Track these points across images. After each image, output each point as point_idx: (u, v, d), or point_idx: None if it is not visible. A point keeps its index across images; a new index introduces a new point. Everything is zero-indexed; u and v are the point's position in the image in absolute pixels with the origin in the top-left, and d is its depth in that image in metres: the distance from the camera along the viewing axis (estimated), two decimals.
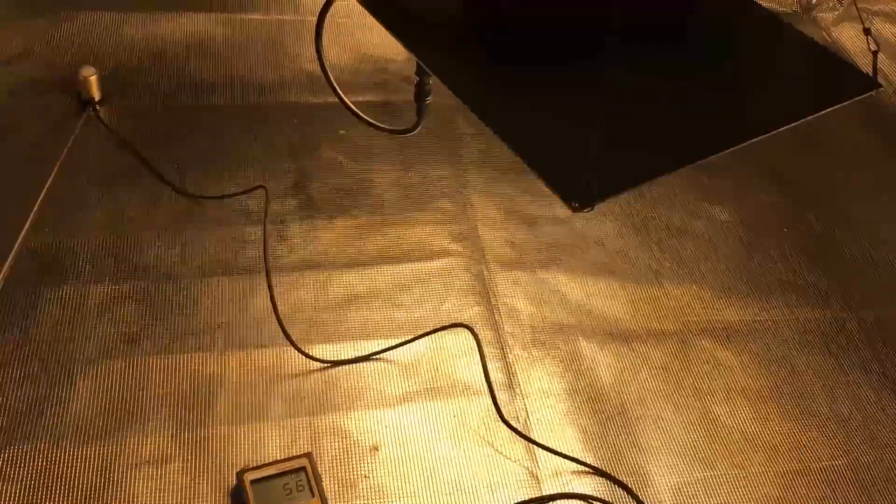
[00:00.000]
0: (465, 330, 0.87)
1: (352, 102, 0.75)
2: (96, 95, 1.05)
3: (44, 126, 1.02)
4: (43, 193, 0.94)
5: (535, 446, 0.80)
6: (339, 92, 0.73)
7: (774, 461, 0.82)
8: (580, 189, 0.50)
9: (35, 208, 0.92)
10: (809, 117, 0.52)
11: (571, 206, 0.51)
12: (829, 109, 0.52)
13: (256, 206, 0.97)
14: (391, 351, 0.85)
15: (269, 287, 0.84)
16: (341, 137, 1.06)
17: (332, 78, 0.72)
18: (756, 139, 0.52)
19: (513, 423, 0.81)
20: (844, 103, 0.53)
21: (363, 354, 0.85)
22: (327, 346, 0.86)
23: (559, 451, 0.79)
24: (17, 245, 0.87)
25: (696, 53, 0.59)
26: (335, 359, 0.84)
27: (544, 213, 1.01)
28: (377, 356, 0.84)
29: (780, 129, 0.52)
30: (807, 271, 0.99)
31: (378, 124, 0.74)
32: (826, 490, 0.80)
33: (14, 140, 1.00)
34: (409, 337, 0.86)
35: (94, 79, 1.04)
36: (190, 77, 1.11)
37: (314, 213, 0.98)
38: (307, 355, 0.82)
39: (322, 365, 0.84)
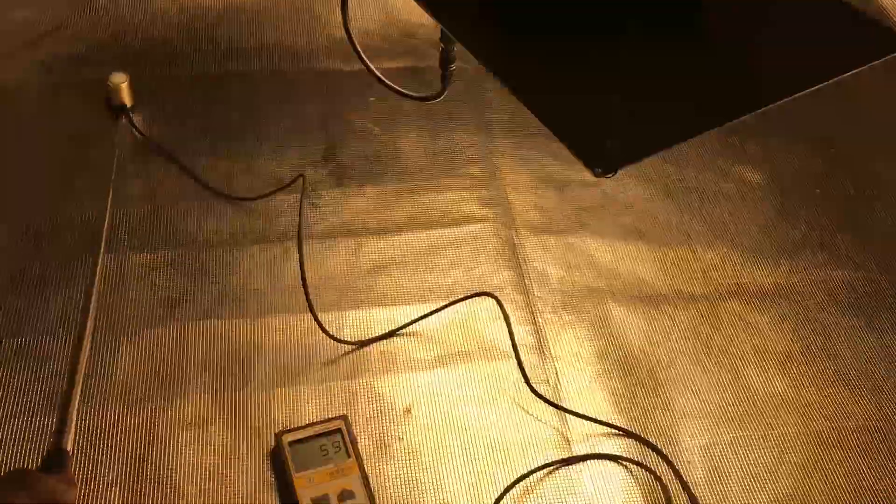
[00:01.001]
0: (500, 296, 0.88)
1: (380, 69, 0.75)
2: (128, 102, 1.02)
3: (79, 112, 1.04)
4: None
5: (565, 406, 0.81)
6: (365, 59, 0.74)
7: (805, 422, 0.82)
8: (603, 154, 0.50)
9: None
10: (835, 78, 0.52)
11: (594, 171, 0.51)
12: (856, 70, 0.52)
13: (289, 174, 0.99)
14: (426, 323, 0.87)
15: (305, 289, 0.83)
16: (371, 105, 1.07)
17: (357, 45, 0.72)
18: (781, 101, 0.51)
19: (543, 386, 0.82)
20: (873, 63, 0.52)
21: (394, 321, 0.86)
22: (359, 313, 0.87)
23: (588, 415, 0.80)
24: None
25: (722, 16, 0.58)
26: (368, 327, 0.86)
27: (573, 177, 1.01)
28: (401, 332, 0.85)
29: (806, 91, 0.51)
30: (839, 233, 0.98)
31: (404, 91, 0.74)
32: (857, 450, 0.80)
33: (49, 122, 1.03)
34: (438, 305, 0.87)
35: (125, 86, 1.01)
36: (219, 45, 1.13)
37: (345, 181, 1.00)
38: (334, 338, 0.83)
39: (356, 329, 0.85)
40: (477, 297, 0.88)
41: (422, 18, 1.16)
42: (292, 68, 1.11)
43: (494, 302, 0.88)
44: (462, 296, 0.87)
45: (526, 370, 0.82)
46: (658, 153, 0.52)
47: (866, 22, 0.55)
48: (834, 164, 1.06)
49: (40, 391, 0.79)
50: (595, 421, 0.80)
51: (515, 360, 0.83)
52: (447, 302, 0.87)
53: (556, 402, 0.81)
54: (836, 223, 1.00)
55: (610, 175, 0.51)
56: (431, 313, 0.86)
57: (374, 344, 0.85)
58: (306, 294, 0.82)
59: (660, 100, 0.53)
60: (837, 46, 0.55)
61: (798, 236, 0.98)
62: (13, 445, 0.75)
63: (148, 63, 1.09)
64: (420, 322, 0.87)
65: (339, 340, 0.83)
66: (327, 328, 0.84)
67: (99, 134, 1.01)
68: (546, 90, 0.54)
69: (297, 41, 1.14)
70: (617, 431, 0.80)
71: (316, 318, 0.82)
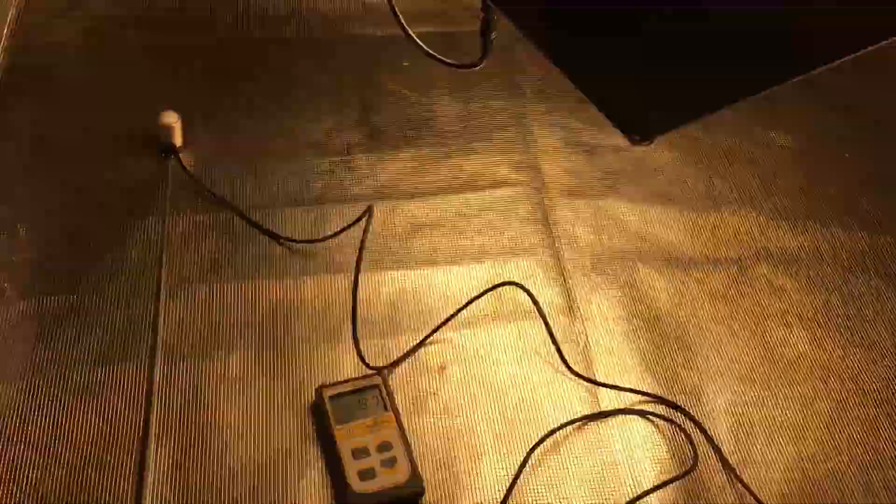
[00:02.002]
0: (530, 258, 0.90)
1: (414, 33, 0.76)
2: (178, 142, 0.97)
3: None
4: None
5: (594, 366, 0.84)
6: (405, 25, 0.75)
7: (829, 383, 0.84)
8: (639, 122, 0.52)
9: None
10: (871, 48, 0.53)
11: (631, 139, 0.53)
12: (891, 39, 0.53)
13: (324, 138, 1.01)
14: (457, 281, 0.89)
15: (354, 312, 0.83)
16: (405, 70, 1.09)
17: (396, 8, 0.73)
18: (816, 71, 0.52)
19: (573, 346, 0.85)
20: None
21: (429, 283, 0.89)
22: (396, 273, 0.90)
23: (616, 384, 0.83)
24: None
25: None
26: (402, 289, 0.89)
27: (604, 142, 1.02)
28: (429, 341, 0.85)
29: (839, 61, 0.52)
30: (867, 198, 0.99)
31: (442, 59, 0.76)
32: (879, 412, 0.82)
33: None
34: (475, 264, 0.90)
35: (177, 126, 0.96)
36: (254, 11, 1.14)
37: (380, 145, 1.02)
38: (367, 364, 0.82)
39: (390, 290, 0.88)
40: (511, 259, 0.90)
41: None
42: (327, 33, 1.13)
43: (529, 263, 0.90)
44: (492, 285, 0.88)
45: (555, 333, 0.85)
46: (693, 122, 0.53)
47: None
48: (863, 129, 1.07)
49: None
50: (622, 389, 0.82)
51: (553, 345, 0.85)
52: (472, 297, 0.87)
53: (585, 360, 0.84)
54: (865, 188, 1.01)
55: (647, 143, 0.53)
56: (458, 311, 0.86)
57: (409, 304, 0.87)
58: (354, 328, 0.82)
59: (696, 68, 0.54)
60: (874, 15, 0.55)
61: (826, 201, 0.99)
62: (68, 395, 0.79)
63: (183, 30, 1.11)
64: (455, 285, 0.89)
65: (369, 366, 0.82)
66: (364, 288, 0.86)
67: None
68: (584, 59, 0.56)
69: (332, 6, 1.15)
70: (644, 394, 0.82)
71: (358, 350, 0.82)
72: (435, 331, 0.85)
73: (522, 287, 0.88)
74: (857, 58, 0.55)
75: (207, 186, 0.95)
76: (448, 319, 0.85)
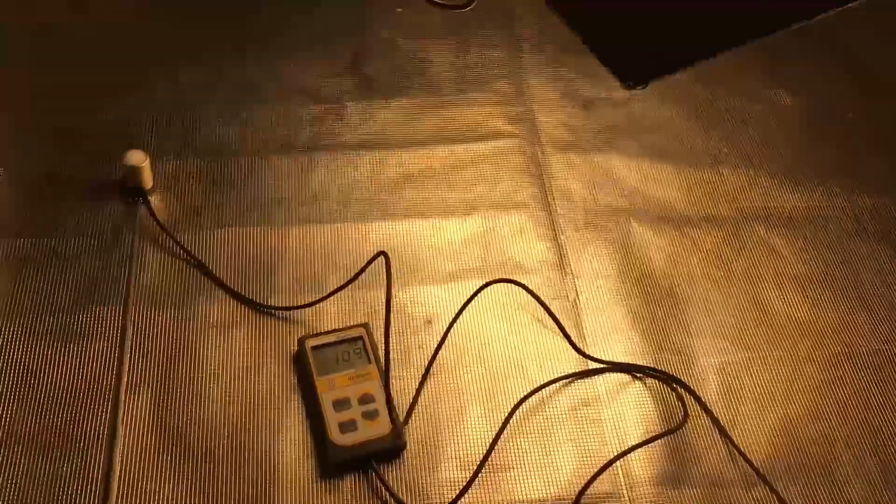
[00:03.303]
0: (522, 212, 0.88)
1: None
2: (147, 184, 0.87)
3: None
4: None
5: (582, 323, 0.82)
6: None
7: (821, 346, 0.83)
8: (634, 67, 0.50)
9: None
10: None
11: (626, 84, 0.51)
12: None
13: (313, 84, 0.99)
14: (447, 233, 0.88)
15: (386, 377, 0.76)
16: (398, 16, 1.06)
17: None
18: (811, 20, 0.50)
19: (563, 302, 0.83)
20: None
21: (417, 234, 0.87)
22: (384, 224, 0.88)
23: (605, 343, 0.81)
24: None
25: None
26: (391, 238, 0.87)
27: (601, 95, 0.99)
28: (425, 246, 0.84)
29: (838, 8, 0.50)
30: (870, 159, 0.97)
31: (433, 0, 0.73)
32: (872, 374, 0.81)
33: None
34: (465, 216, 0.88)
35: (145, 165, 0.85)
36: None
37: (371, 93, 0.99)
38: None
39: (378, 241, 0.86)
40: (514, 227, 0.88)
41: None
42: None
43: (520, 216, 0.88)
44: (488, 208, 0.87)
45: (545, 289, 0.83)
46: (688, 68, 0.51)
47: None
48: (867, 88, 1.04)
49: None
50: (612, 364, 0.81)
51: (539, 274, 0.84)
52: (473, 293, 0.82)
53: (574, 317, 0.83)
54: (867, 149, 0.98)
55: (641, 87, 0.51)
56: (461, 310, 0.81)
57: (399, 253, 0.85)
58: (387, 390, 0.76)
59: (690, 18, 0.52)
60: None
61: (827, 161, 0.97)
62: (41, 340, 0.78)
63: None
64: (443, 238, 0.87)
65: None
66: (351, 239, 0.85)
67: None
68: (581, 6, 0.53)
69: None
70: (632, 356, 0.81)
71: (388, 385, 0.76)
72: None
73: (520, 284, 0.83)
74: (859, 13, 0.52)
75: (193, 133, 0.93)
76: (453, 322, 0.81)
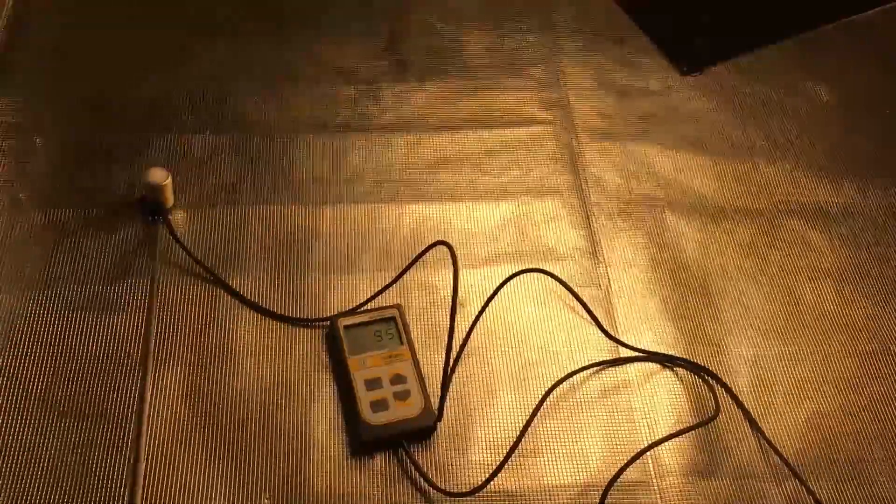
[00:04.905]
0: (556, 199, 0.88)
1: None
2: (169, 202, 0.84)
3: None
4: None
5: (614, 312, 0.82)
6: None
7: (854, 341, 0.82)
8: (689, 53, 0.50)
9: None
10: None
11: (681, 69, 0.51)
12: None
13: (349, 65, 0.99)
14: (480, 217, 0.87)
15: (442, 400, 0.74)
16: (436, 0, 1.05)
17: None
18: (861, 14, 0.50)
19: (594, 290, 0.83)
20: None
21: (449, 219, 0.87)
22: (417, 206, 0.88)
23: (637, 332, 0.81)
24: None
25: None
26: (422, 222, 0.86)
27: (637, 84, 0.99)
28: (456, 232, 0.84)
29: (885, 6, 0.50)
30: None
31: None
32: None
33: None
34: (499, 201, 0.88)
35: (168, 184, 0.83)
36: None
37: (406, 76, 0.99)
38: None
39: (412, 220, 0.86)
40: (542, 196, 0.88)
41: None
42: None
43: (555, 204, 0.88)
44: (521, 195, 0.87)
45: (577, 278, 0.83)
46: (741, 55, 0.50)
47: None
48: None
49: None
50: (644, 352, 0.80)
51: (572, 260, 0.84)
52: (502, 281, 0.81)
53: (606, 305, 0.82)
54: None
55: (695, 73, 0.51)
56: (493, 296, 0.81)
57: (431, 236, 0.85)
58: (440, 409, 0.74)
59: (744, 8, 0.52)
60: None
61: (864, 156, 0.96)
62: (77, 311, 0.78)
63: None
64: (476, 222, 0.87)
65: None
66: (384, 219, 0.85)
67: None
68: None
69: None
70: (664, 347, 0.81)
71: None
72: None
73: (550, 273, 0.82)
74: None
75: (229, 103, 0.93)
76: (484, 307, 0.81)
